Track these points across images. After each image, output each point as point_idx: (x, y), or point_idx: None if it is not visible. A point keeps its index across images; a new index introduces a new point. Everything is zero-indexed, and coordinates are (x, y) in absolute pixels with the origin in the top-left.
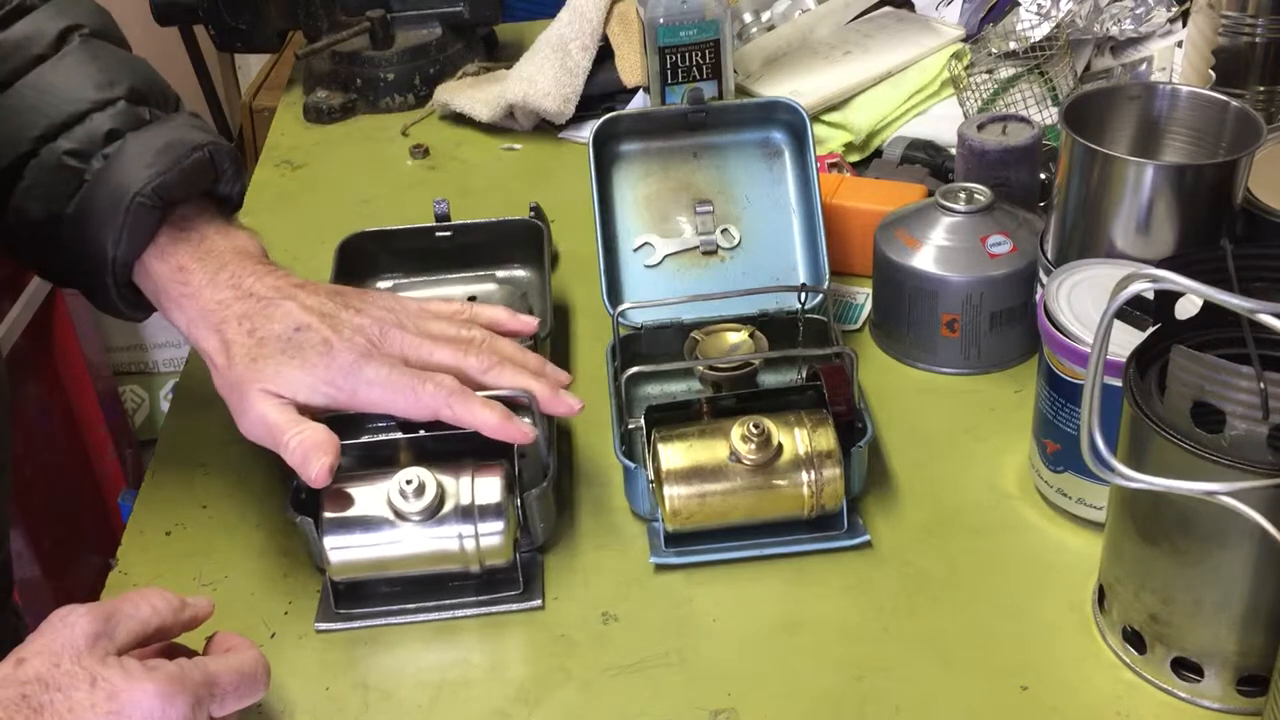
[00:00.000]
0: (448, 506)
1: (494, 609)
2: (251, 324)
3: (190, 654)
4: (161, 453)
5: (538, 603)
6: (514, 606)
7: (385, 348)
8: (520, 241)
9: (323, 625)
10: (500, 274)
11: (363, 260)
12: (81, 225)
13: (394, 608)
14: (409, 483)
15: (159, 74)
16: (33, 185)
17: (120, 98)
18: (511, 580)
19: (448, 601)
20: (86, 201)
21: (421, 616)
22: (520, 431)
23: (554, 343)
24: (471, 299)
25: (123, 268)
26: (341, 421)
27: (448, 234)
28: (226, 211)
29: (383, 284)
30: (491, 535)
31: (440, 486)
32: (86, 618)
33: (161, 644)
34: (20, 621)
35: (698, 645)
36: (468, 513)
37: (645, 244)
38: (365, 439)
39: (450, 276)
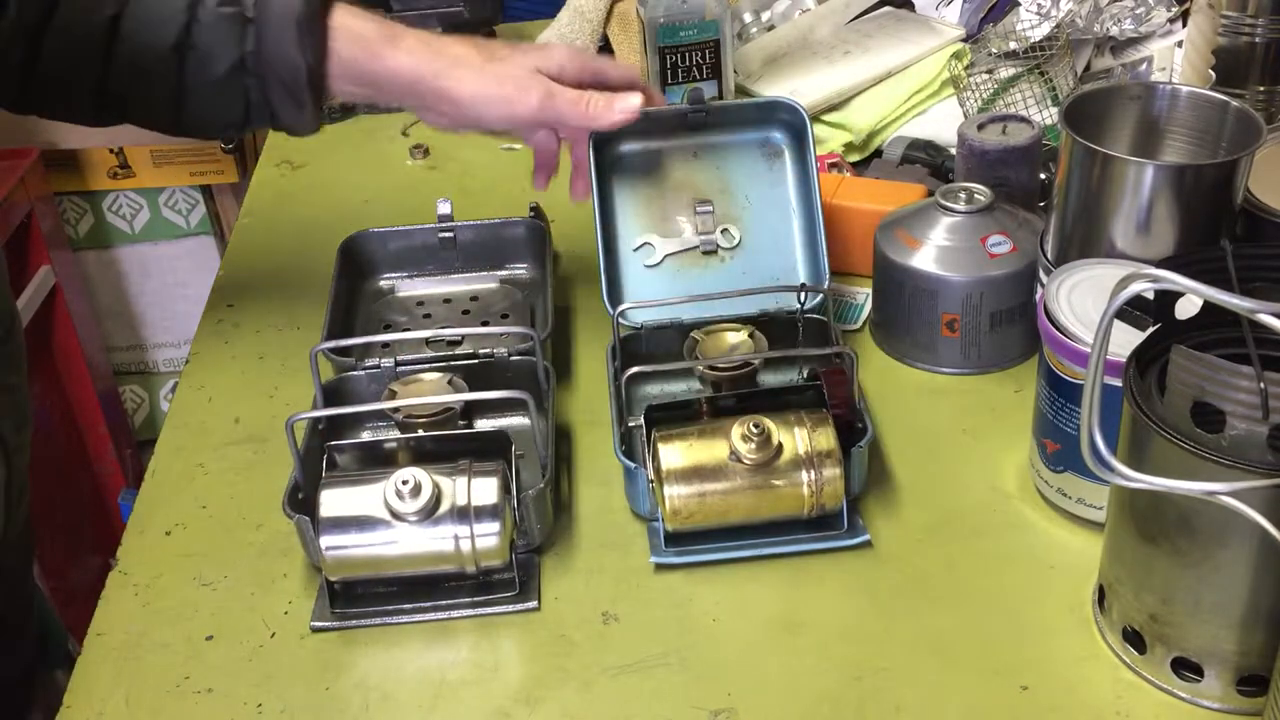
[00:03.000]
0: (444, 507)
1: (489, 610)
2: (470, 41)
3: None
4: (161, 453)
5: (533, 604)
6: (509, 608)
7: None
8: (521, 241)
9: (318, 624)
10: (501, 274)
11: (363, 260)
12: (267, 53)
13: (389, 608)
14: (405, 483)
15: None
16: (208, 46)
17: None
18: (507, 581)
19: (443, 602)
20: (262, 31)
21: (417, 617)
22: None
23: (554, 343)
24: (473, 299)
25: (314, 72)
26: (340, 421)
27: (449, 234)
28: None
29: (383, 284)
30: (487, 536)
31: (436, 487)
32: None
33: None
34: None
35: (698, 645)
36: (463, 513)
37: (645, 244)
38: (363, 439)
39: (451, 276)
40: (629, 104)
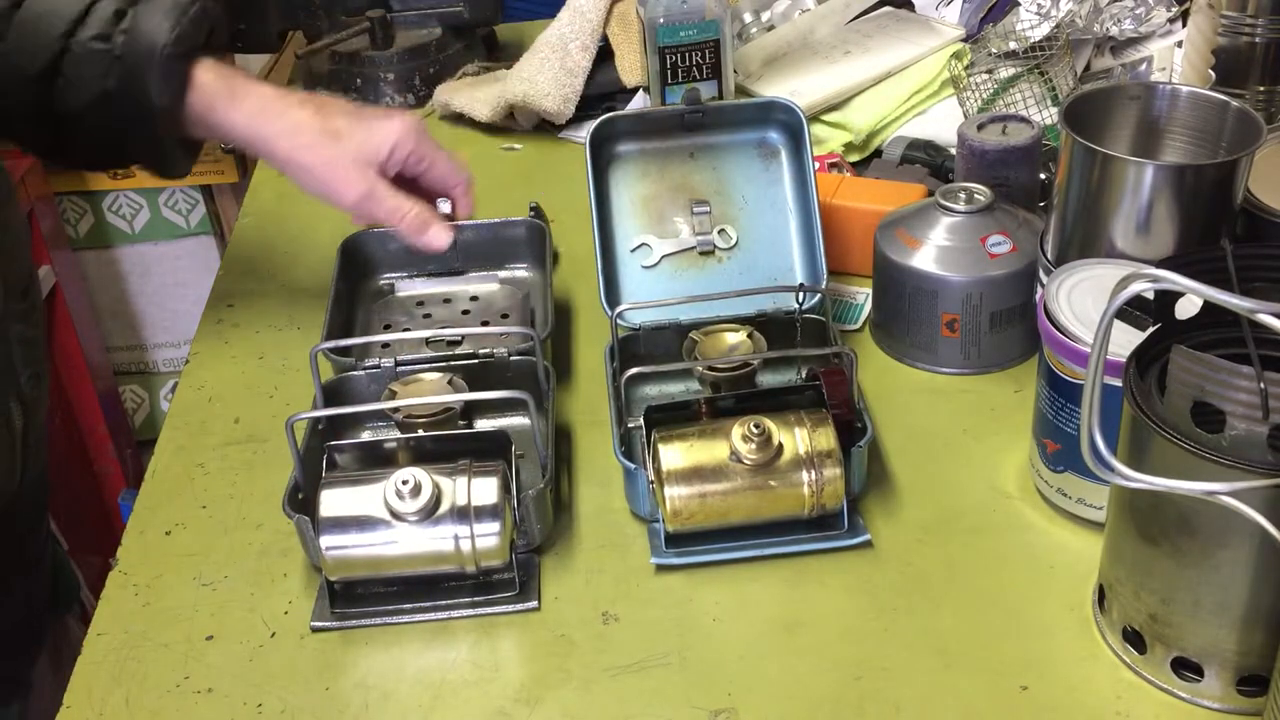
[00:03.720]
0: (444, 507)
1: (489, 610)
2: (315, 106)
3: None
4: (161, 453)
5: (533, 604)
6: (509, 608)
7: None
8: (520, 241)
9: (318, 624)
10: (501, 274)
11: (363, 260)
12: (127, 92)
13: (389, 608)
14: (405, 483)
15: None
16: (75, 77)
17: None
18: (508, 581)
19: (443, 602)
20: (124, 70)
21: (417, 617)
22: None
23: (554, 343)
24: (473, 299)
25: (169, 117)
26: (340, 421)
27: None
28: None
29: (383, 284)
30: (487, 536)
31: (436, 487)
32: None
33: None
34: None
35: (698, 645)
36: (463, 513)
37: (643, 245)
38: (363, 439)
39: (451, 276)
40: (440, 237)
